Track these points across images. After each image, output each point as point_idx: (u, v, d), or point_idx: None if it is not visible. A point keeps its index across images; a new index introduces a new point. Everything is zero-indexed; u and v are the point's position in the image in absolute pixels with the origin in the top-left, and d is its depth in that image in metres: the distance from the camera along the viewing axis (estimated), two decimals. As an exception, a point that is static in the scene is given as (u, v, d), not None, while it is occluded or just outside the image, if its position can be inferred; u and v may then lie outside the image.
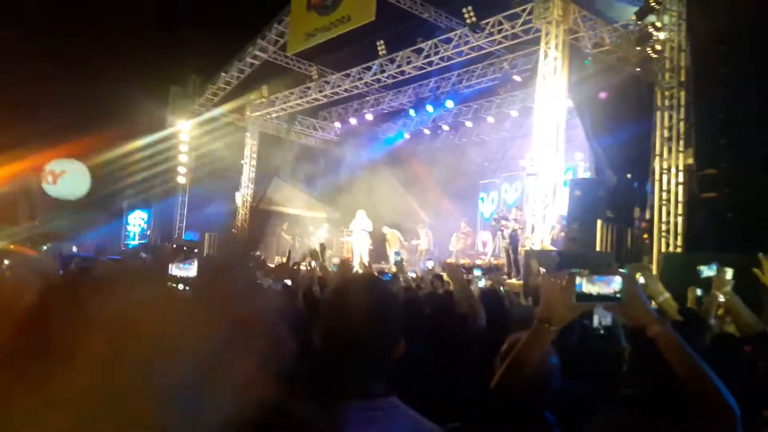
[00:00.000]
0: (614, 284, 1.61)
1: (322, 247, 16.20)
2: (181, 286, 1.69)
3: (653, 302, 3.60)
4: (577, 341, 2.66)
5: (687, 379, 1.54)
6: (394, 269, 13.24)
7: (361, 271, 11.11)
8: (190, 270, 1.92)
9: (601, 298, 1.62)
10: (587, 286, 1.61)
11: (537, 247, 10.61)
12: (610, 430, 1.76)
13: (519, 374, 1.67)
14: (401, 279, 7.04)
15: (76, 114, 18.63)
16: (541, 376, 1.87)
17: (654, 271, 9.29)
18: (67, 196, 18.74)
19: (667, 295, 3.59)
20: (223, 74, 18.38)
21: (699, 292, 4.65)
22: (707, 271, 3.88)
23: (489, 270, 11.68)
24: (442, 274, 9.15)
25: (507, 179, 18.76)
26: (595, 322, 2.44)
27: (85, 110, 18.84)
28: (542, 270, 7.36)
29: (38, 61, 17.35)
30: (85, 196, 19.03)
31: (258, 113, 19.04)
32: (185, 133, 19.51)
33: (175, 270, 1.93)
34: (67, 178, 18.37)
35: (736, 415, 1.49)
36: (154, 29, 18.91)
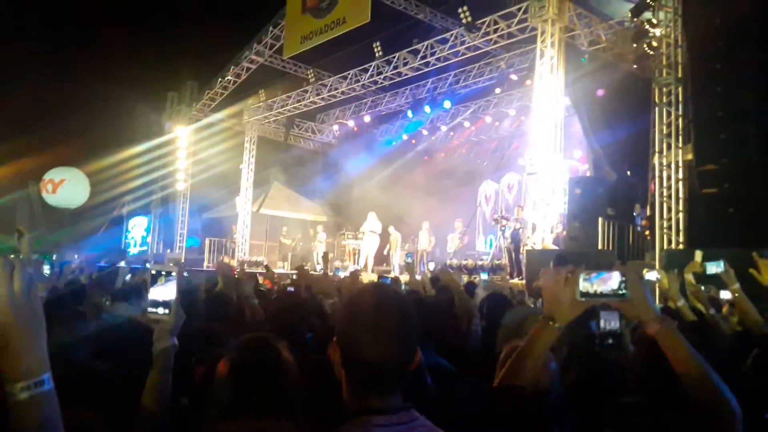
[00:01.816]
0: (613, 281, 1.58)
1: (326, 255, 16.22)
2: (160, 310, 1.66)
3: (673, 304, 3.58)
4: (582, 346, 2.65)
5: (688, 379, 1.52)
6: (399, 272, 13.28)
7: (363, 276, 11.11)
8: (168, 291, 1.85)
9: (606, 295, 1.59)
10: (583, 284, 1.58)
11: (538, 246, 10.60)
12: None
13: (521, 375, 1.62)
14: (407, 282, 7.02)
15: (74, 122, 18.66)
16: (541, 381, 1.83)
17: (657, 268, 9.29)
18: (67, 204, 18.75)
19: (682, 302, 3.57)
20: (219, 79, 18.37)
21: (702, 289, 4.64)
22: (713, 268, 3.81)
23: (492, 270, 11.70)
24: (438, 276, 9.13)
25: (507, 179, 18.75)
26: (602, 325, 2.39)
27: (83, 118, 18.87)
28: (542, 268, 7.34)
29: (35, 71, 17.36)
30: (84, 203, 19.05)
31: (256, 117, 19.04)
32: (183, 138, 19.51)
33: (153, 293, 1.86)
34: (67, 186, 18.38)
35: (737, 416, 1.47)
36: (150, 36, 18.91)
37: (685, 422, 1.57)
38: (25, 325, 1.04)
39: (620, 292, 1.57)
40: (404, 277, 9.34)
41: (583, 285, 1.58)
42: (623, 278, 1.58)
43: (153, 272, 1.88)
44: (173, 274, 1.88)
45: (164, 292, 1.86)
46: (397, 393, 1.45)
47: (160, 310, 1.84)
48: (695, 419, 1.52)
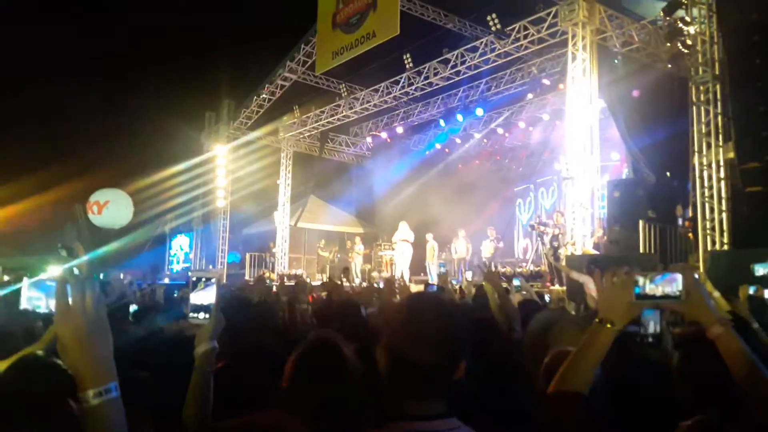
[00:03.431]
0: (677, 284, 1.58)
1: (346, 270, 16.32)
2: (201, 315, 1.76)
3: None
4: (623, 348, 2.63)
5: (746, 383, 1.50)
6: (437, 281, 13.26)
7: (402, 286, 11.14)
8: (208, 296, 1.94)
9: (661, 297, 1.59)
10: (650, 287, 1.58)
11: (578, 252, 10.47)
12: None
13: (577, 380, 1.60)
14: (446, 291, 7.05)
15: (116, 145, 19.31)
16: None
17: (701, 270, 9.09)
18: (113, 225, 19.27)
19: (716, 294, 3.52)
20: (255, 97, 18.77)
21: (751, 290, 4.55)
22: (761, 269, 3.76)
23: (530, 277, 11.58)
24: (481, 283, 9.09)
25: (543, 184, 18.58)
26: (642, 324, 2.39)
27: (126, 141, 19.53)
28: (577, 270, 7.25)
29: (78, 97, 18.04)
30: (129, 223, 19.59)
31: (291, 134, 19.36)
32: (222, 157, 19.96)
33: (194, 298, 1.96)
34: (112, 207, 18.87)
35: None
36: (187, 59, 19.47)
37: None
38: (96, 338, 1.16)
39: (675, 293, 1.57)
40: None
41: (649, 287, 1.58)
42: (683, 281, 1.58)
43: (194, 279, 1.98)
44: (213, 279, 1.97)
45: (204, 297, 1.95)
46: (437, 400, 1.48)
47: (201, 315, 1.93)
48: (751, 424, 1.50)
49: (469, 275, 15.33)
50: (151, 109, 19.05)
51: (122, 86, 19.70)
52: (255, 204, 20.57)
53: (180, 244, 21.48)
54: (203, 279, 1.96)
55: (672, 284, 1.58)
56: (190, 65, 19.44)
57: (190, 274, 2.01)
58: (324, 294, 8.26)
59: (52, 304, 1.27)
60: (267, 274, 18.70)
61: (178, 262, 21.47)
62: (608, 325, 1.60)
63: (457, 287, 10.00)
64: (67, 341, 1.14)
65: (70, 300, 1.16)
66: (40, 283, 1.29)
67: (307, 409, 1.67)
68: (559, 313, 3.96)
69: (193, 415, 1.86)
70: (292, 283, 13.69)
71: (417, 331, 1.48)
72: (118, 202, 18.94)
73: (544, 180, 18.41)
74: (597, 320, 1.63)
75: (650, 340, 2.38)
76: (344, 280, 14.34)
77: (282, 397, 1.76)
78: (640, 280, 1.59)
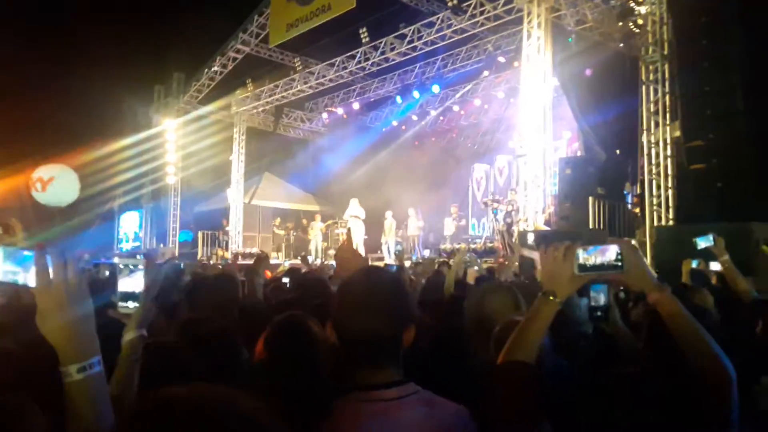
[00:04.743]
0: (609, 253, 1.61)
1: (304, 257, 16.21)
2: (130, 304, 1.64)
3: None
4: (571, 324, 2.69)
5: (686, 343, 1.57)
6: (393, 260, 13.30)
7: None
8: (135, 283, 1.85)
9: (603, 268, 1.62)
10: (583, 255, 1.61)
11: (530, 228, 10.65)
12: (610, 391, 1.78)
13: (523, 351, 1.63)
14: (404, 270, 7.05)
15: (61, 119, 18.49)
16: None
17: (648, 245, 9.39)
18: (57, 202, 18.56)
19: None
20: (206, 70, 18.23)
21: (694, 263, 4.71)
22: (702, 243, 3.88)
23: (484, 253, 11.75)
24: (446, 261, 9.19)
25: (497, 161, 18.80)
26: (591, 300, 2.45)
27: (70, 114, 18.69)
28: (527, 246, 7.40)
29: (21, 67, 17.15)
30: (74, 200, 18.89)
31: (244, 108, 18.94)
32: (172, 131, 19.37)
33: (121, 286, 1.84)
34: (56, 184, 18.16)
35: (733, 378, 1.52)
36: (135, 29, 18.71)
37: (679, 385, 1.63)
38: (79, 311, 1.13)
39: (617, 264, 1.60)
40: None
41: (583, 257, 1.61)
42: (619, 251, 1.61)
43: (121, 266, 1.86)
44: (139, 266, 1.87)
45: (131, 284, 1.85)
46: (391, 368, 1.52)
47: (130, 304, 1.83)
48: (691, 382, 1.57)
49: (426, 253, 15.47)
50: (96, 81, 18.22)
51: (65, 57, 18.76)
52: (207, 180, 20.11)
53: (129, 220, 20.85)
54: (130, 265, 1.84)
55: (605, 254, 1.61)
56: (138, 36, 18.66)
57: (116, 260, 1.90)
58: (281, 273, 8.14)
59: (30, 277, 1.17)
60: (221, 253, 18.40)
61: (127, 241, 20.88)
62: (551, 297, 1.64)
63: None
64: (48, 313, 1.11)
65: (50, 272, 1.13)
66: (14, 253, 1.20)
67: (282, 390, 1.66)
68: (491, 283, 4.02)
69: (114, 401, 1.80)
70: (246, 261, 13.52)
71: (358, 304, 1.52)
72: (63, 179, 18.22)
73: (499, 157, 18.62)
74: (541, 293, 1.67)
75: (599, 314, 2.44)
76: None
77: (255, 378, 1.78)
78: (580, 252, 1.62)
